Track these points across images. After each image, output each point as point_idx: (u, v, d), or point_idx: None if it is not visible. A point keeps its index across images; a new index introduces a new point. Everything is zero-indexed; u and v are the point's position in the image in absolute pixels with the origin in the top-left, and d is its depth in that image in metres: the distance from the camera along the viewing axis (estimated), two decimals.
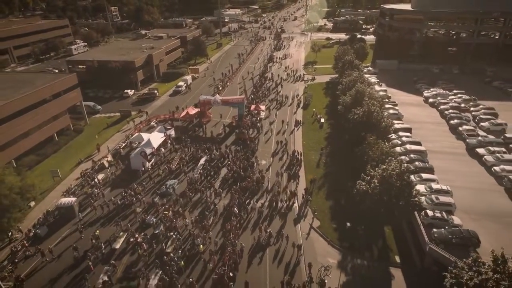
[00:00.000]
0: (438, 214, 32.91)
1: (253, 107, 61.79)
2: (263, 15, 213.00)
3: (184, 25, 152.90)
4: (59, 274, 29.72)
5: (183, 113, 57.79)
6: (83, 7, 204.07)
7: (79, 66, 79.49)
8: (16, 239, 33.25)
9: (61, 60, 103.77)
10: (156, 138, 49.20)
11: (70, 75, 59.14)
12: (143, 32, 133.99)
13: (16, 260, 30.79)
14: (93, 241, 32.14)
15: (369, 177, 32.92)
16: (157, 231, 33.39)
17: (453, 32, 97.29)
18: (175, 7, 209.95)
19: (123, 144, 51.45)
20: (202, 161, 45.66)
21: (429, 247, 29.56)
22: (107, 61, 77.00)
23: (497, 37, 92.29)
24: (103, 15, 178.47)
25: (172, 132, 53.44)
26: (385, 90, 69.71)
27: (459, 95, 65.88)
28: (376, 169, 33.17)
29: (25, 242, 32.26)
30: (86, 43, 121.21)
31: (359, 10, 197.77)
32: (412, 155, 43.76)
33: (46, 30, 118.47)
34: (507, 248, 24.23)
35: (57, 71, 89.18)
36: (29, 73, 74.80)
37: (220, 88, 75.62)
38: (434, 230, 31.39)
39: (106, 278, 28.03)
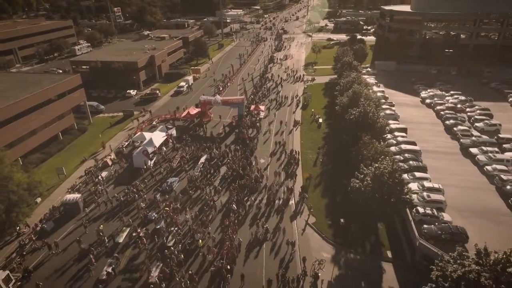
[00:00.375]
0: (428, 211, 34.19)
1: (252, 107, 63.06)
2: (265, 16, 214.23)
3: (186, 26, 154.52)
4: (64, 266, 31.17)
5: (184, 113, 59.18)
6: (87, 8, 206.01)
7: (83, 67, 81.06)
8: (23, 233, 34.69)
9: (65, 61, 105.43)
10: (157, 137, 50.60)
11: (74, 76, 60.62)
12: (146, 33, 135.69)
13: (24, 253, 32.27)
14: (101, 233, 33.61)
15: (362, 175, 34.22)
16: (158, 226, 34.75)
17: (454, 33, 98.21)
18: (177, 7, 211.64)
19: (126, 143, 52.89)
20: (202, 159, 47.00)
21: (419, 242, 30.80)
22: (110, 62, 78.49)
23: (496, 39, 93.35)
24: (106, 15, 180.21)
25: (173, 132, 54.84)
26: (383, 91, 70.83)
27: (455, 96, 66.96)
28: (370, 167, 34.46)
29: (32, 236, 33.75)
30: (89, 44, 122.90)
31: (360, 11, 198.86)
32: (406, 155, 45.01)
33: (50, 31, 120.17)
34: (494, 244, 25.37)
35: (61, 71, 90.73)
36: (35, 74, 76.42)
37: (221, 89, 76.97)
38: (425, 226, 32.68)
39: (109, 270, 29.42)
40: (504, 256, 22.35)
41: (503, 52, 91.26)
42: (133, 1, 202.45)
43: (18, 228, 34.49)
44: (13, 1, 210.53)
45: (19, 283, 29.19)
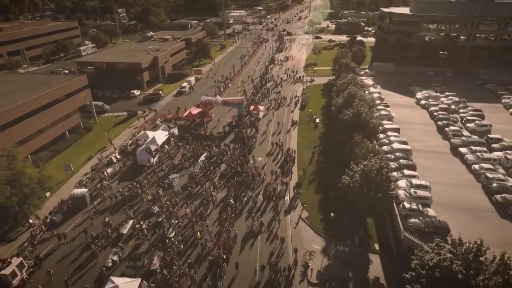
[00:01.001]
0: (414, 206, 36.14)
1: (252, 107, 65.18)
2: (267, 17, 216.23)
3: (189, 27, 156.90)
4: (73, 255, 33.62)
5: (186, 113, 61.51)
6: (91, 8, 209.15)
7: (88, 67, 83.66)
8: (34, 224, 37.16)
9: (70, 61, 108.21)
10: (160, 136, 52.90)
11: (81, 77, 63.08)
12: (150, 34, 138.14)
13: (35, 242, 34.71)
14: (110, 223, 36.30)
15: (352, 172, 36.31)
16: (160, 219, 37.04)
17: (454, 35, 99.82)
18: (180, 8, 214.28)
19: (130, 141, 55.32)
20: (202, 157, 49.23)
21: (403, 235, 32.86)
22: (115, 63, 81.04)
23: (493, 40, 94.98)
24: (111, 16, 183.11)
25: (175, 131, 57.14)
26: (379, 92, 72.71)
27: (450, 97, 68.62)
28: (359, 165, 36.53)
29: (42, 227, 36.27)
30: (94, 44, 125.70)
31: (362, 12, 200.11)
32: (397, 153, 46.89)
33: (56, 31, 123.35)
34: (474, 237, 27.07)
35: (67, 71, 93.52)
36: (43, 75, 79.06)
37: (222, 89, 79.22)
38: (410, 220, 34.66)
39: (115, 258, 31.79)
40: (475, 245, 24.44)
41: (501, 54, 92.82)
42: (137, 2, 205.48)
43: (30, 220, 36.92)
44: (19, 1, 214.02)
45: (31, 269, 31.62)
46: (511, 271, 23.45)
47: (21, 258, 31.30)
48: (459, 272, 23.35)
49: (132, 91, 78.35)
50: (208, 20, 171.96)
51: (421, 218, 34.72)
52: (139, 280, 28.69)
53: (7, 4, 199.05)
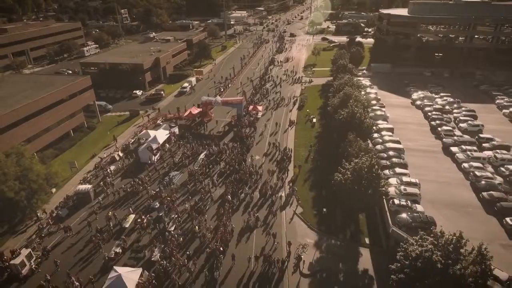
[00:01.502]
0: (403, 203, 37.82)
1: (251, 107, 66.91)
2: (268, 17, 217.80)
3: (191, 27, 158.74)
4: (78, 247, 35.47)
5: (187, 113, 63.33)
6: (94, 9, 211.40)
7: (91, 68, 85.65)
8: (42, 218, 39.06)
9: (74, 61, 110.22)
10: (161, 134, 54.69)
11: (84, 77, 64.94)
12: (152, 35, 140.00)
13: (43, 235, 36.62)
14: (115, 217, 38.25)
15: (344, 170, 37.96)
16: (160, 214, 38.86)
17: (452, 36, 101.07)
18: (182, 9, 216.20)
19: (132, 140, 57.17)
20: (202, 155, 51.01)
21: (392, 229, 34.53)
22: (117, 63, 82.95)
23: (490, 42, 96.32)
24: (113, 17, 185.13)
25: (176, 130, 58.94)
26: (376, 93, 74.28)
27: (444, 98, 70.12)
28: (351, 162, 38.18)
29: (49, 220, 38.15)
30: (97, 45, 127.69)
31: (362, 13, 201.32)
32: (390, 152, 48.59)
33: (60, 32, 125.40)
34: (457, 230, 28.74)
35: (71, 72, 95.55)
36: (48, 75, 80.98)
37: (222, 90, 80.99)
38: (398, 215, 36.34)
39: (117, 250, 33.61)
40: (455, 237, 26.10)
41: (497, 55, 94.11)
42: (139, 3, 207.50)
43: (38, 214, 38.81)
44: (22, 2, 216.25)
45: (39, 259, 33.51)
46: (488, 261, 25.19)
47: (29, 249, 33.12)
48: (438, 261, 25.01)
49: (134, 91, 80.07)
50: (210, 21, 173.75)
51: (409, 213, 36.41)
52: (140, 269, 30.52)
53: (10, 4, 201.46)
